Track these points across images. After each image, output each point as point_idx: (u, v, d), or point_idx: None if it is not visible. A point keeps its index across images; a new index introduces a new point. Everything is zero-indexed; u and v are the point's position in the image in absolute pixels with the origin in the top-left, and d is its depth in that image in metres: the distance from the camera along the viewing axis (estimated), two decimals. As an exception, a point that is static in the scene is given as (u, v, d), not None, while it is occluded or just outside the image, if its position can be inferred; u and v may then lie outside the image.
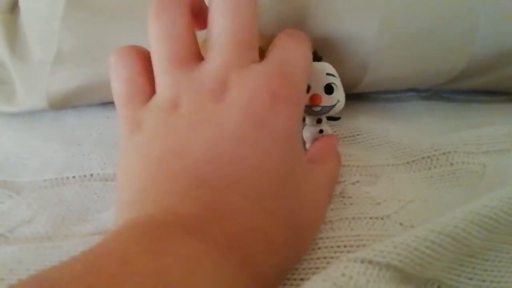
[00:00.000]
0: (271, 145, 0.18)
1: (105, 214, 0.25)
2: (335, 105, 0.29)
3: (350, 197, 0.26)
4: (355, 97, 0.36)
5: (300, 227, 0.19)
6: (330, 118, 0.30)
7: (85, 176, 0.28)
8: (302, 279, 0.21)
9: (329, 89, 0.29)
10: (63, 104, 0.32)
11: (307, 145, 0.31)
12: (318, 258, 0.22)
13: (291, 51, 0.22)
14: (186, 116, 0.19)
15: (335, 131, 0.32)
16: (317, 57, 0.29)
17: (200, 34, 0.22)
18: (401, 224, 0.24)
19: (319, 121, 0.30)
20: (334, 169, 0.25)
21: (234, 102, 0.18)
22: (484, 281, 0.20)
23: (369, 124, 0.33)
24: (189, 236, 0.15)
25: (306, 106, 0.29)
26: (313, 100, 0.28)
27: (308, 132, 0.30)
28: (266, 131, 0.18)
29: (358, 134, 0.32)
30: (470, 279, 0.20)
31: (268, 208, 0.17)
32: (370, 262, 0.18)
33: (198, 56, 0.21)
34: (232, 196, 0.17)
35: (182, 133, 0.18)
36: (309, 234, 0.20)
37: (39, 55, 0.32)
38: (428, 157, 0.29)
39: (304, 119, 0.30)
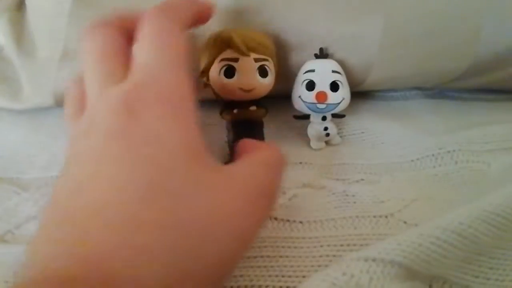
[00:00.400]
0: (130, 156, 0.15)
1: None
2: (340, 102, 0.29)
3: (353, 195, 0.26)
4: (359, 95, 0.36)
5: (192, 235, 0.15)
6: (334, 116, 0.30)
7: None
8: (304, 276, 0.21)
9: (334, 86, 0.29)
10: (69, 101, 0.32)
11: (311, 143, 0.31)
12: (320, 256, 0.22)
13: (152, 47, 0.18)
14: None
15: (339, 129, 0.32)
16: (323, 55, 0.29)
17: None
18: (405, 222, 0.24)
19: (323, 118, 0.30)
20: (257, 170, 0.19)
21: (95, 126, 0.17)
22: (489, 279, 0.20)
23: (374, 122, 0.33)
24: None
25: (311, 103, 0.29)
26: (319, 98, 0.28)
27: (312, 130, 0.30)
28: (126, 143, 0.16)
29: (362, 132, 0.32)
30: (476, 277, 0.20)
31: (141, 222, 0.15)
32: (374, 260, 0.18)
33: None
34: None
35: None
36: (218, 240, 0.16)
37: (46, 52, 0.32)
38: (433, 155, 0.29)
39: (308, 117, 0.30)
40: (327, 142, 0.31)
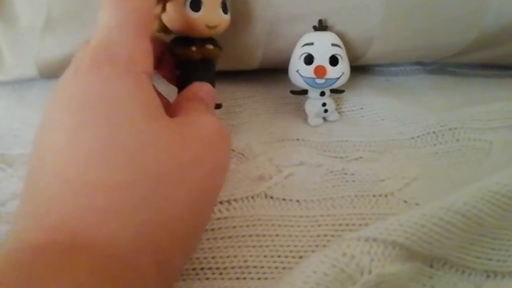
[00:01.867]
0: (81, 119, 0.15)
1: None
2: (339, 77, 0.28)
3: (352, 174, 0.25)
4: (359, 70, 0.35)
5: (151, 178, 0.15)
6: (333, 91, 0.29)
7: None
8: (301, 257, 0.20)
9: (333, 60, 0.27)
10: (54, 72, 0.30)
11: (309, 119, 0.30)
12: (318, 236, 0.21)
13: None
14: None
15: (338, 105, 0.31)
16: (322, 27, 0.28)
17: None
18: (405, 201, 0.23)
19: (322, 94, 0.29)
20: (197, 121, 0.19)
21: (56, 91, 0.17)
22: (490, 260, 0.20)
23: (373, 98, 0.32)
24: None
25: (309, 78, 0.27)
26: (318, 72, 0.27)
27: (310, 106, 0.29)
28: (77, 107, 0.16)
29: (361, 108, 0.31)
30: (478, 257, 0.20)
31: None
32: (375, 240, 0.18)
33: None
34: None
35: None
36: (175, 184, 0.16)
37: (28, 20, 0.30)
38: (434, 132, 0.28)
39: (306, 92, 0.29)
40: (324, 119, 0.30)
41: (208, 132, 0.18)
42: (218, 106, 0.26)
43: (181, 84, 0.24)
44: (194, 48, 0.24)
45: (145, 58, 0.18)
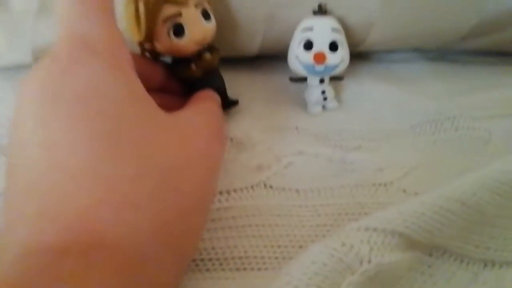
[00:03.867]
0: (77, 115, 0.15)
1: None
2: (339, 64, 0.27)
3: (351, 163, 0.25)
4: (358, 56, 0.34)
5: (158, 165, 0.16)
6: (333, 78, 0.29)
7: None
8: (300, 246, 0.20)
9: (333, 46, 0.27)
10: (49, 59, 0.30)
11: (308, 107, 0.29)
12: (318, 225, 0.21)
13: None
14: None
15: (337, 93, 0.30)
16: (322, 11, 0.27)
17: None
18: (404, 191, 0.23)
19: (321, 81, 0.28)
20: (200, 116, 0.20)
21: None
22: (489, 248, 0.20)
23: (372, 85, 0.31)
24: None
25: (309, 65, 0.27)
26: (317, 59, 0.27)
27: (310, 94, 0.29)
28: (67, 105, 0.15)
29: (360, 96, 0.31)
30: (477, 246, 0.20)
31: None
32: (374, 229, 0.18)
33: None
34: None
35: None
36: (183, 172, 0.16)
37: (22, 4, 0.29)
38: (433, 120, 0.28)
39: (305, 80, 0.29)
40: (324, 107, 0.30)
41: (207, 128, 0.19)
42: (234, 103, 0.27)
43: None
44: (193, 66, 0.25)
45: (121, 46, 0.17)
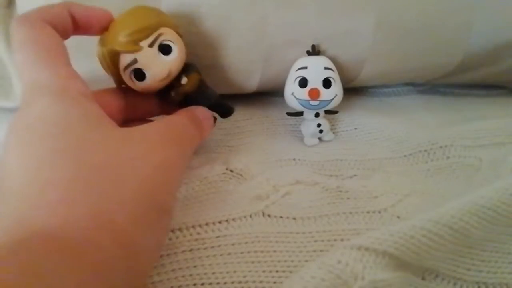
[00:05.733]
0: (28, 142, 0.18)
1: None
2: (333, 99, 0.29)
3: (347, 191, 0.26)
4: (352, 91, 0.36)
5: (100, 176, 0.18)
6: (327, 112, 0.30)
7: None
8: (295, 266, 0.21)
9: (327, 83, 0.29)
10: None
11: (305, 140, 0.31)
12: (314, 251, 0.22)
13: None
14: None
15: (332, 125, 0.32)
16: (315, 52, 0.29)
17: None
18: (398, 217, 0.24)
19: (317, 115, 0.30)
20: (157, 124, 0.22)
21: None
22: (481, 271, 0.20)
23: (366, 118, 0.33)
24: None
25: (304, 100, 0.29)
26: (311, 95, 0.28)
27: (306, 127, 0.30)
28: (26, 133, 0.18)
29: (355, 128, 0.32)
30: (468, 270, 0.20)
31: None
32: (366, 249, 0.18)
33: None
34: None
35: None
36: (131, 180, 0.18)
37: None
38: (425, 150, 0.29)
39: (302, 114, 0.30)
40: (320, 139, 0.31)
41: (156, 135, 0.20)
42: (230, 111, 0.28)
43: None
44: (173, 93, 0.25)
45: (70, 82, 0.20)
